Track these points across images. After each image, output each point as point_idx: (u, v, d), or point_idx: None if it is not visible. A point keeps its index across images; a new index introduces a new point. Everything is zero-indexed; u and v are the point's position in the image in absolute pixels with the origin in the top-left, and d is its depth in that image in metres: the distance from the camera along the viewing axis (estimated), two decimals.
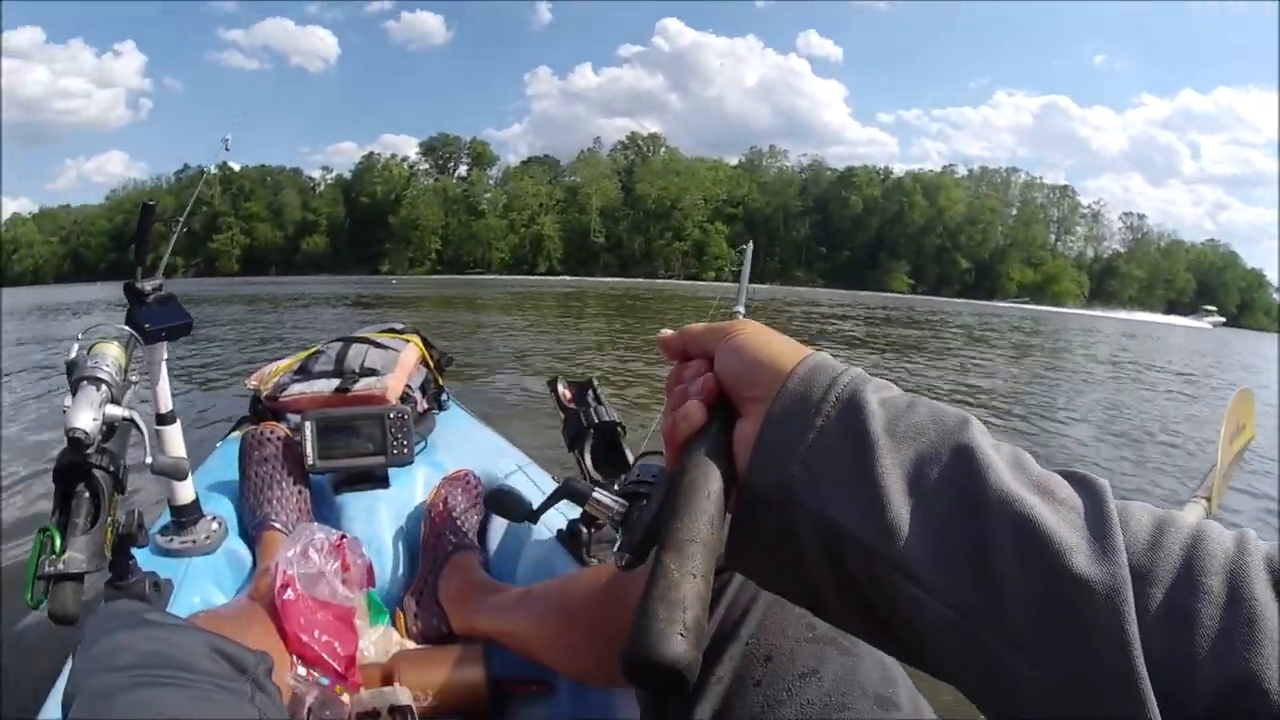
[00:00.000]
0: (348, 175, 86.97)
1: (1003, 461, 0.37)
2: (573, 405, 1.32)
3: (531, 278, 64.97)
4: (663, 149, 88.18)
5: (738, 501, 0.42)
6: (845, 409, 0.40)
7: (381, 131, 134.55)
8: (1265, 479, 4.50)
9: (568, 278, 64.28)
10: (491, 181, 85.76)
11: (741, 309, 1.38)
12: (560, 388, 1.35)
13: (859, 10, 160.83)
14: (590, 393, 1.34)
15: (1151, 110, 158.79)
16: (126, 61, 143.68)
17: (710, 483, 0.41)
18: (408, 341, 1.88)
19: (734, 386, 0.45)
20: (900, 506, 0.36)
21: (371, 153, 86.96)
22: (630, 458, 1.25)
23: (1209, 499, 2.04)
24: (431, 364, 1.97)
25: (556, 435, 1.34)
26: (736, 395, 0.45)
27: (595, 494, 0.52)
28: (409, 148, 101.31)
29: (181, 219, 1.62)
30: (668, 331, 0.52)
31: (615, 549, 0.46)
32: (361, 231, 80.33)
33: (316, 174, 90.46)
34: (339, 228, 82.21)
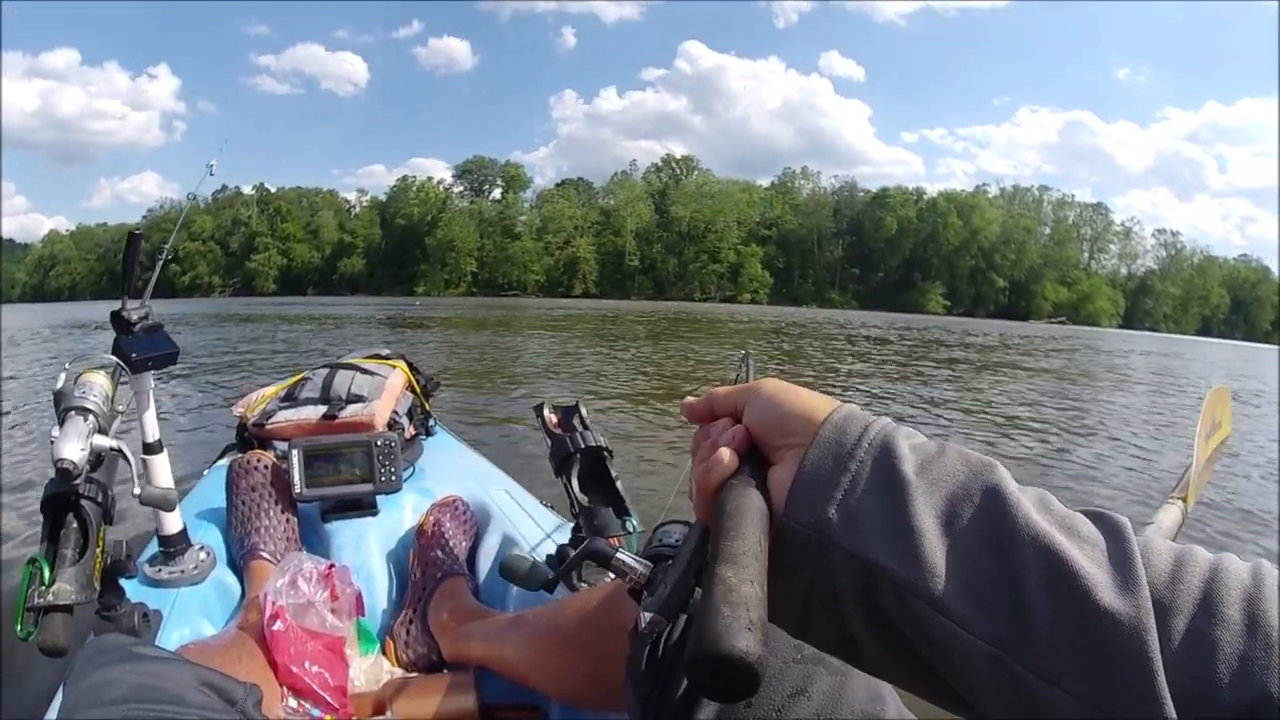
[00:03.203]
0: (383, 197, 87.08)
1: (1029, 502, 0.38)
2: (559, 430, 1.32)
3: (563, 300, 64.24)
4: (695, 171, 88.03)
5: (772, 544, 0.42)
6: (879, 454, 0.42)
7: (410, 155, 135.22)
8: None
9: (603, 301, 63.02)
10: (526, 204, 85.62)
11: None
12: (546, 412, 1.35)
13: (879, 28, 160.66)
14: (577, 417, 1.34)
15: (1176, 124, 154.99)
16: (161, 85, 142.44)
17: (754, 508, 0.42)
18: (394, 367, 1.88)
19: (765, 435, 0.47)
20: (934, 544, 0.38)
21: (406, 175, 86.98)
22: (615, 477, 1.26)
23: (1185, 499, 2.05)
24: (418, 389, 1.97)
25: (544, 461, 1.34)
26: (767, 444, 0.47)
27: (619, 555, 0.52)
28: (438, 170, 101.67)
29: (167, 246, 1.62)
30: (692, 399, 0.53)
31: (641, 608, 0.46)
32: (398, 253, 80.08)
33: (352, 196, 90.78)
34: (375, 249, 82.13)
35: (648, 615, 0.44)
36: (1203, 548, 0.37)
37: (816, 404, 0.46)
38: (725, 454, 0.46)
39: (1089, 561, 0.35)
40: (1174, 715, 0.31)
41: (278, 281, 79.12)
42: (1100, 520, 0.38)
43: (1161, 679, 0.32)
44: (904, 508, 0.39)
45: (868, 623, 0.41)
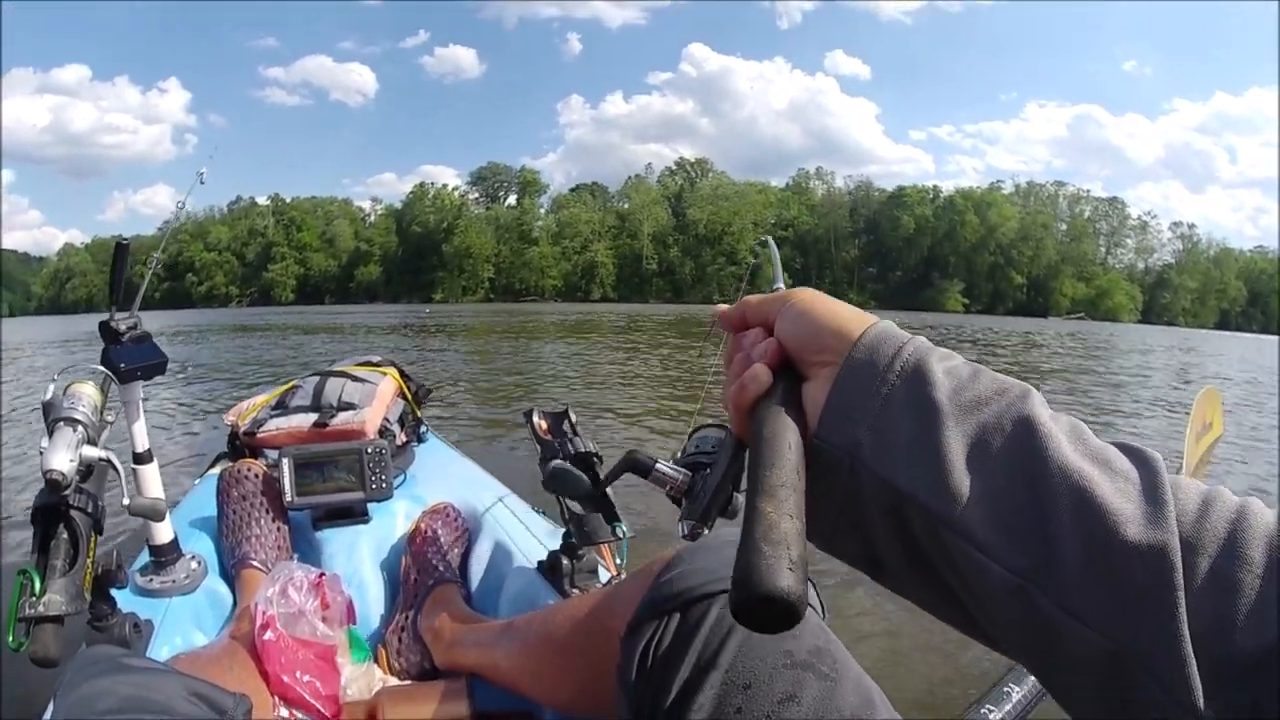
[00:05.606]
0: (397, 205, 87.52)
1: (1062, 433, 0.38)
2: (549, 436, 1.32)
3: (580, 305, 63.83)
4: (710, 174, 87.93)
5: (806, 462, 0.42)
6: (911, 377, 0.41)
7: (420, 162, 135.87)
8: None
9: (621, 305, 62.35)
10: (543, 209, 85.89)
11: (781, 285, 1.37)
12: (536, 419, 1.35)
13: (883, 26, 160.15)
14: (566, 423, 1.34)
15: (1185, 116, 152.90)
16: (171, 98, 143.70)
17: (790, 433, 0.42)
18: (384, 374, 1.88)
19: (798, 350, 0.46)
20: (963, 474, 0.38)
21: (422, 183, 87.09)
22: (608, 489, 1.26)
23: None
24: (409, 396, 1.97)
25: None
26: (801, 359, 0.46)
27: (658, 465, 0.53)
28: (447, 177, 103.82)
29: (158, 254, 1.62)
30: (725, 306, 0.53)
31: (680, 518, 0.46)
32: (414, 260, 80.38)
33: (367, 204, 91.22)
34: (392, 257, 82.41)
35: (688, 523, 0.45)
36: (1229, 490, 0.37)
37: (850, 319, 0.45)
38: (760, 370, 0.46)
39: (1119, 495, 0.35)
40: (1191, 654, 0.31)
41: (295, 290, 79.42)
42: (1133, 454, 0.38)
43: (1183, 616, 0.32)
44: (934, 435, 0.39)
45: (895, 545, 0.41)
